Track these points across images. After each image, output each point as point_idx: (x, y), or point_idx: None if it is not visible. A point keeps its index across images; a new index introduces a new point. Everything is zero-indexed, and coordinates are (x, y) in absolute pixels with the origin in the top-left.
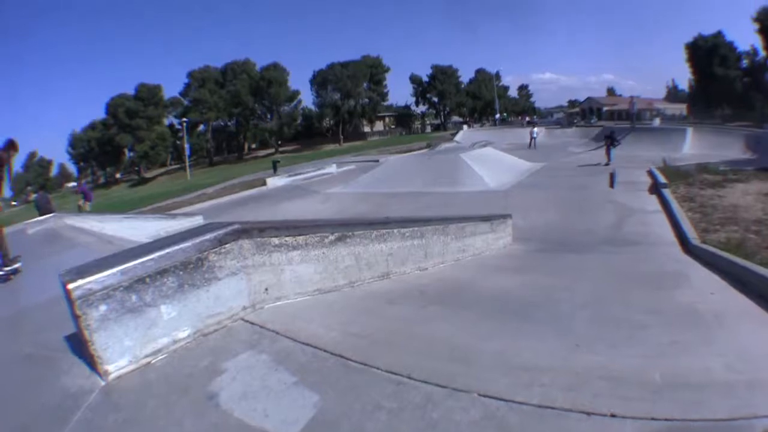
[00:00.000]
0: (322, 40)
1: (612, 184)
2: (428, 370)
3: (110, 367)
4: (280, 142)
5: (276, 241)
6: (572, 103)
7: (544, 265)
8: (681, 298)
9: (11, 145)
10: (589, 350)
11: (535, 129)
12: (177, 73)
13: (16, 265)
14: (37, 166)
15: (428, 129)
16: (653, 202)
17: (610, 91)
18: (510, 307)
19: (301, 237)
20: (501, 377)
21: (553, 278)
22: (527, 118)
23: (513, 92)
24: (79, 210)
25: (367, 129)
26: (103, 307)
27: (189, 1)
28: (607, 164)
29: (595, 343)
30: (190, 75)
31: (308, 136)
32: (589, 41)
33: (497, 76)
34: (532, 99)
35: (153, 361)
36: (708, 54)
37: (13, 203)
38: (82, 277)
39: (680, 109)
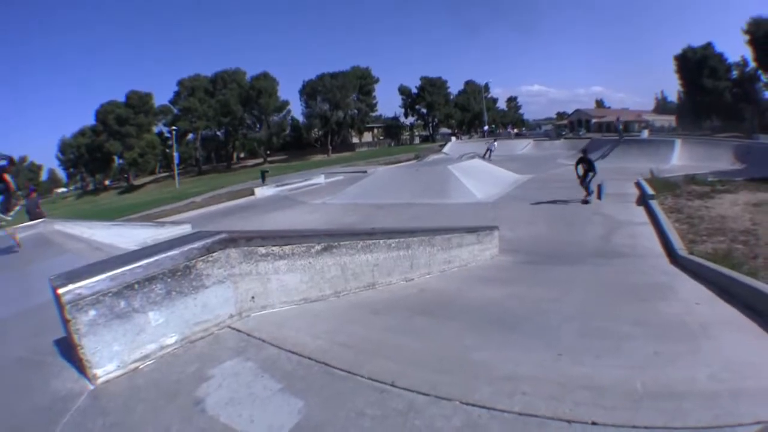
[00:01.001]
0: (312, 50)
1: (599, 196)
2: (412, 378)
3: (99, 372)
4: (268, 152)
5: (263, 250)
6: (561, 115)
7: (531, 277)
8: (667, 309)
9: (13, 162)
10: (573, 360)
11: (495, 143)
12: (167, 80)
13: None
14: (27, 170)
15: (417, 140)
16: (641, 213)
17: (599, 103)
18: (496, 318)
19: (287, 247)
20: (484, 386)
21: (539, 290)
22: (515, 130)
23: (502, 104)
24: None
25: (355, 140)
26: (92, 312)
27: (180, 9)
28: (585, 202)
29: (579, 354)
30: (179, 83)
31: (297, 146)
32: (578, 54)
33: (486, 87)
34: (520, 111)
35: (141, 367)
36: (697, 65)
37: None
38: (72, 282)
39: (669, 120)
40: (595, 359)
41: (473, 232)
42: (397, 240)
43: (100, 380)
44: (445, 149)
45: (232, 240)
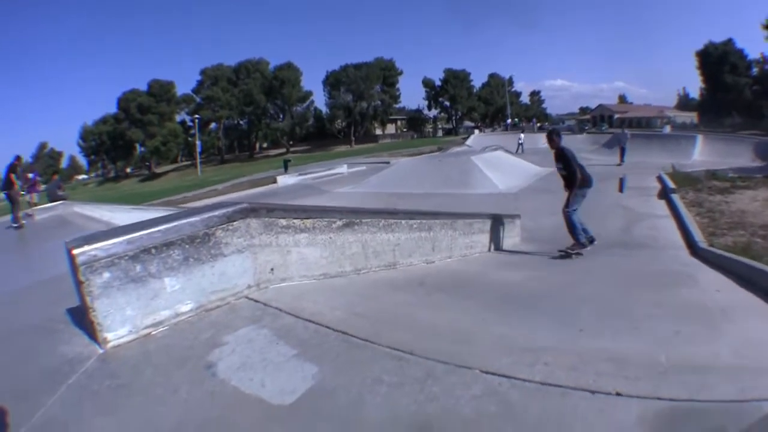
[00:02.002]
0: (335, 41)
1: (621, 189)
2: (431, 348)
3: (110, 336)
4: (291, 143)
5: (284, 222)
6: (584, 110)
7: (551, 264)
8: (687, 295)
9: (18, 159)
10: (593, 335)
11: (522, 135)
12: (190, 70)
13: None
14: (48, 156)
15: (440, 133)
16: (662, 207)
17: (622, 99)
18: (515, 298)
19: (308, 220)
20: (503, 357)
21: (559, 275)
22: (538, 124)
23: (525, 98)
24: (29, 205)
25: (378, 131)
26: (106, 275)
27: None
28: (565, 253)
29: (599, 331)
30: (203, 72)
31: (320, 137)
32: (601, 48)
33: (509, 81)
34: (543, 105)
35: (153, 333)
36: (718, 61)
37: (22, 192)
38: (88, 244)
39: (691, 117)
40: (615, 335)
41: (495, 219)
42: (419, 221)
43: (110, 344)
44: (468, 142)
45: (253, 210)
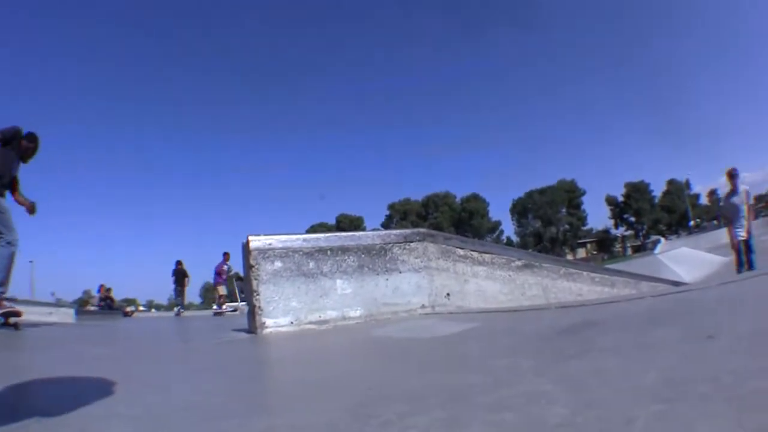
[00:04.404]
0: (515, 167)
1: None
2: None
3: (269, 321)
4: None
5: (461, 252)
6: (757, 199)
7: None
8: None
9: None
10: None
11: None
12: (377, 205)
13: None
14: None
15: (628, 251)
16: None
17: None
18: None
19: (487, 255)
20: None
21: None
22: (691, 223)
23: (703, 200)
24: (219, 296)
25: (569, 257)
26: (278, 264)
27: (387, 139)
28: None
29: None
30: (390, 207)
31: None
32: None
33: (687, 184)
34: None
35: (317, 329)
36: None
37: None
38: (266, 235)
39: None
40: None
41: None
42: (600, 275)
43: (268, 330)
44: (655, 251)
45: (431, 235)
